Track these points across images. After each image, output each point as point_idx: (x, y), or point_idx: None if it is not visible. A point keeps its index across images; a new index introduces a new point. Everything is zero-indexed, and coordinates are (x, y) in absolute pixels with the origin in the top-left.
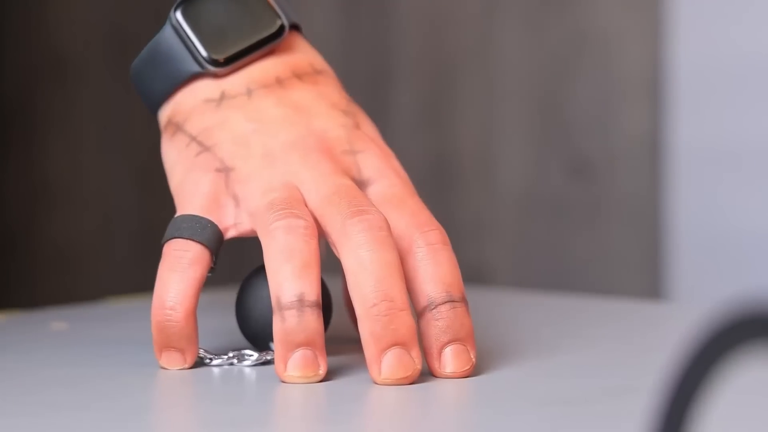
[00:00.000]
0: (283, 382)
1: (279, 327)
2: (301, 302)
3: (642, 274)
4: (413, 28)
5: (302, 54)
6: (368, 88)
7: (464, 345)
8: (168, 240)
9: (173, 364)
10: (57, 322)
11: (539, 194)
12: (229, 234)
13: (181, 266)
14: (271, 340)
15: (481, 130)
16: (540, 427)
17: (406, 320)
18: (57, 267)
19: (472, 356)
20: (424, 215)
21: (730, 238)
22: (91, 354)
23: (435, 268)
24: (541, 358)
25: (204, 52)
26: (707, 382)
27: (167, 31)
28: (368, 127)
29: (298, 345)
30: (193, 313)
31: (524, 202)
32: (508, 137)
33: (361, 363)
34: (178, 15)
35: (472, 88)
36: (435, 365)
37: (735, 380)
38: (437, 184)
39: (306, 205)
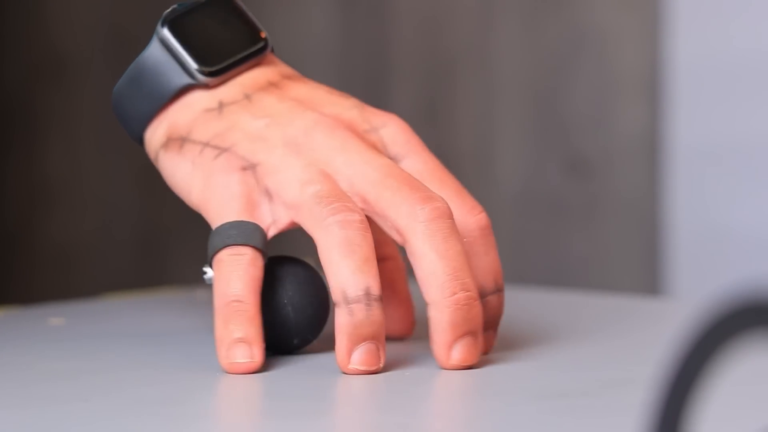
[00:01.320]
0: (345, 373)
1: (347, 320)
2: (368, 296)
3: (640, 271)
4: (411, 27)
5: (284, 65)
6: (366, 86)
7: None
8: (221, 248)
9: (242, 356)
10: (54, 317)
11: (537, 192)
12: (270, 233)
13: (240, 266)
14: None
15: (479, 128)
16: (539, 419)
17: (480, 309)
18: (56, 266)
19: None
20: (466, 194)
21: (727, 235)
22: (87, 348)
23: (486, 257)
24: (539, 352)
25: (194, 64)
26: (705, 372)
27: (153, 47)
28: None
29: (365, 338)
30: (259, 308)
31: (522, 199)
32: (506, 135)
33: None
34: (165, 30)
35: (469, 86)
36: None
37: (733, 370)
38: None
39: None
